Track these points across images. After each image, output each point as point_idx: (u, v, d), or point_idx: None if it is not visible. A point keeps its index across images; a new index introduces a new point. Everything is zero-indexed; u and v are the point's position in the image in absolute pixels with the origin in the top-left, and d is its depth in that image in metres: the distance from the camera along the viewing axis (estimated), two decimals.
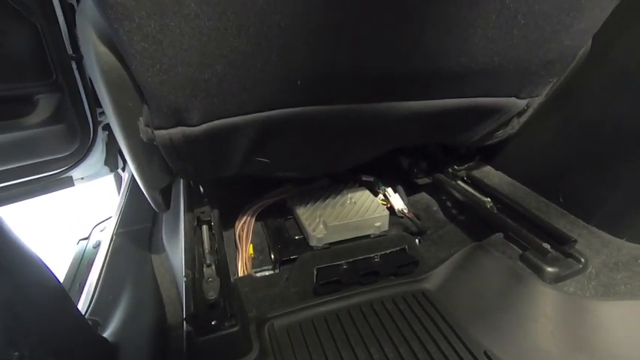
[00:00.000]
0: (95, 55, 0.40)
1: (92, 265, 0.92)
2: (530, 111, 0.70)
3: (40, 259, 0.47)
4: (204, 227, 0.71)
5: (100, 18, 0.37)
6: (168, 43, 0.38)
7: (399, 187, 0.95)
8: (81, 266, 1.15)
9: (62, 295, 0.50)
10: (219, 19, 0.38)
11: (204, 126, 0.47)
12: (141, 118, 0.45)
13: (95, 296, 0.74)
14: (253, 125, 0.50)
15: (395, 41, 0.45)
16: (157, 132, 0.45)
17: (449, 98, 0.60)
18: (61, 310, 0.49)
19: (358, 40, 0.44)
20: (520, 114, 0.69)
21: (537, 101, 0.67)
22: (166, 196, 0.62)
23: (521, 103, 0.65)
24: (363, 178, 0.97)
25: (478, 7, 0.44)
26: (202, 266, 0.61)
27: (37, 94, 1.12)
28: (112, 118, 0.47)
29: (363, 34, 0.43)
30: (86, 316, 0.69)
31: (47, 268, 0.48)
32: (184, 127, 0.46)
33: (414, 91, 0.56)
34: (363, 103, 0.54)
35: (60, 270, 1.11)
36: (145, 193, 0.58)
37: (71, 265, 1.18)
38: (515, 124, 0.73)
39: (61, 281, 1.07)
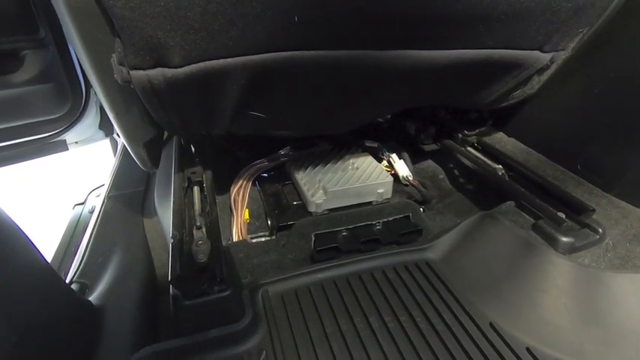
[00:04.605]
0: None
1: (86, 229, 0.90)
2: (554, 68, 0.63)
3: (25, 235, 0.44)
4: (195, 188, 0.66)
5: None
6: None
7: (404, 154, 0.89)
8: (76, 231, 1.14)
9: (49, 272, 0.47)
10: None
11: (187, 68, 0.41)
12: (114, 55, 0.39)
13: (85, 259, 0.72)
14: (244, 70, 0.44)
15: None
16: (133, 72, 0.39)
17: (465, 48, 0.53)
18: (47, 287, 0.46)
19: None
20: (541, 71, 0.63)
21: (562, 56, 0.61)
22: (152, 153, 0.57)
23: (545, 57, 0.59)
24: (367, 144, 0.92)
25: None
26: (192, 228, 0.57)
27: (23, 49, 1.05)
28: (81, 54, 0.41)
29: None
30: (74, 279, 0.67)
31: (33, 245, 0.45)
32: (165, 69, 0.40)
33: (427, 38, 0.49)
34: (369, 50, 0.48)
35: (55, 235, 1.10)
36: (127, 146, 0.53)
37: (66, 229, 1.17)
38: (535, 84, 0.67)
39: (56, 246, 1.06)
